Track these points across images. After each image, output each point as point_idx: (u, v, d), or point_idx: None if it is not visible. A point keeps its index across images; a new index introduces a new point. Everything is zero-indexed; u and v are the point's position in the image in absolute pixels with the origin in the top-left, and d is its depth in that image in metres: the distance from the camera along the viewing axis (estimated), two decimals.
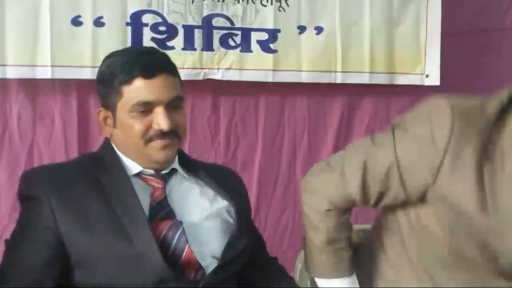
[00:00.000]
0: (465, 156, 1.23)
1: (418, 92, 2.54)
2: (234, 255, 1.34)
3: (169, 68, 1.35)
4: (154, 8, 2.24)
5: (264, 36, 2.40)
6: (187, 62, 2.28)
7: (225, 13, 2.34)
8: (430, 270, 1.36)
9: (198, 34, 2.31)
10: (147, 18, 2.24)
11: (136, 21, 2.22)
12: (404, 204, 1.36)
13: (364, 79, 2.56)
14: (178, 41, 2.29)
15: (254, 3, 2.38)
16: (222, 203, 1.42)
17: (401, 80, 2.61)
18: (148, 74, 1.30)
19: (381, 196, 1.34)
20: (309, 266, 1.44)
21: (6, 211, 2.13)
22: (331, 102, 2.61)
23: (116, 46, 2.11)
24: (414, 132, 1.30)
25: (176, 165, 1.41)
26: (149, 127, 1.31)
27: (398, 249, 1.40)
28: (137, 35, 2.22)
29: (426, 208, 1.31)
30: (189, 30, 2.30)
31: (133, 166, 1.36)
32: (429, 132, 1.26)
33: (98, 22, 2.17)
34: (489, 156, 1.24)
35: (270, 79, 2.43)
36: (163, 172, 1.38)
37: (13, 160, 2.18)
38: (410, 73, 2.63)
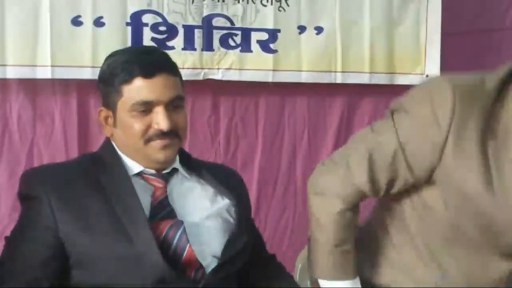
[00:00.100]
0: (469, 135, 1.22)
1: None
2: (233, 254, 1.35)
3: (169, 68, 1.35)
4: (154, 8, 2.24)
5: (264, 36, 2.40)
6: (187, 62, 2.28)
7: (225, 13, 2.34)
8: (431, 246, 1.35)
9: (198, 34, 2.31)
10: (147, 18, 2.24)
11: (136, 21, 2.22)
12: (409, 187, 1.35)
13: (364, 79, 2.56)
14: (178, 41, 2.29)
15: (254, 3, 2.38)
16: (222, 202, 1.42)
17: (401, 80, 2.61)
18: (148, 74, 1.29)
19: (391, 183, 1.32)
20: (313, 267, 1.42)
21: (6, 211, 2.14)
22: (331, 102, 2.61)
23: (116, 46, 2.11)
24: (416, 114, 1.28)
25: (177, 164, 1.41)
26: (149, 127, 1.31)
27: (400, 228, 1.40)
28: (137, 35, 2.22)
29: (432, 189, 1.30)
30: (189, 30, 2.30)
31: (134, 166, 1.36)
32: (431, 113, 1.24)
33: (98, 22, 2.17)
34: (492, 132, 1.23)
35: (270, 79, 2.43)
36: (164, 171, 1.38)
37: (13, 160, 2.18)
38: (410, 73, 2.62)
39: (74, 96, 2.23)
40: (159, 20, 2.25)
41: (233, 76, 2.38)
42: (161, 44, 2.24)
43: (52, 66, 2.12)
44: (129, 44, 2.21)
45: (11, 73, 2.10)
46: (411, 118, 1.29)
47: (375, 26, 2.55)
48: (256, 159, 2.52)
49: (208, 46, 2.33)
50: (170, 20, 2.27)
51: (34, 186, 1.30)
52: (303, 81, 2.49)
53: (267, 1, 2.39)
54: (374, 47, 2.55)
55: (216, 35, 2.34)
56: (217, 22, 2.34)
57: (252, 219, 1.57)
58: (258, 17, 2.39)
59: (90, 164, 1.36)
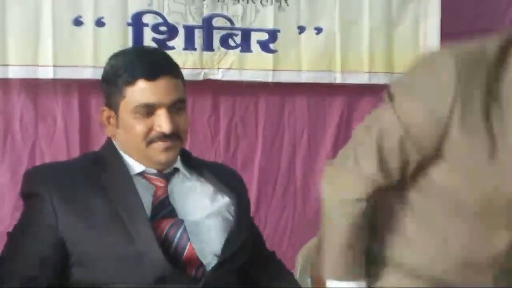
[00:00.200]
0: (474, 106, 1.18)
1: None
2: (233, 252, 1.35)
3: (172, 70, 1.35)
4: (154, 8, 2.25)
5: (264, 36, 2.41)
6: (187, 62, 2.28)
7: (225, 13, 2.35)
8: (432, 217, 1.33)
9: (198, 34, 2.32)
10: (148, 18, 2.25)
11: (137, 22, 2.23)
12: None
13: (364, 79, 2.56)
14: (178, 41, 2.29)
15: (254, 3, 2.39)
16: (222, 201, 1.43)
17: None
18: (151, 76, 1.30)
19: (403, 167, 1.28)
20: (323, 266, 1.39)
21: (8, 210, 2.14)
22: (331, 102, 2.61)
23: (117, 46, 2.12)
24: (417, 89, 1.24)
25: (178, 164, 1.42)
26: (151, 129, 1.32)
27: (402, 200, 1.36)
28: (138, 35, 2.23)
29: (438, 163, 1.27)
30: (189, 30, 2.31)
31: (135, 166, 1.37)
32: (434, 83, 1.20)
33: (99, 22, 2.18)
34: (496, 94, 1.19)
35: (270, 79, 2.44)
36: (165, 171, 1.39)
37: (15, 160, 2.19)
38: None
39: (76, 96, 2.23)
40: (160, 20, 2.26)
41: (233, 76, 2.39)
42: (162, 44, 2.25)
43: (53, 66, 2.12)
44: (130, 44, 2.21)
45: (13, 73, 2.11)
46: (412, 96, 1.25)
47: (374, 26, 2.55)
48: (256, 159, 2.52)
49: (208, 46, 2.34)
50: (171, 20, 2.27)
51: (36, 184, 1.30)
52: (303, 81, 2.49)
53: (267, 1, 2.40)
54: (373, 47, 2.55)
55: (216, 35, 2.35)
56: (217, 22, 2.35)
57: (251, 218, 1.58)
58: (258, 17, 2.39)
59: (91, 163, 1.37)
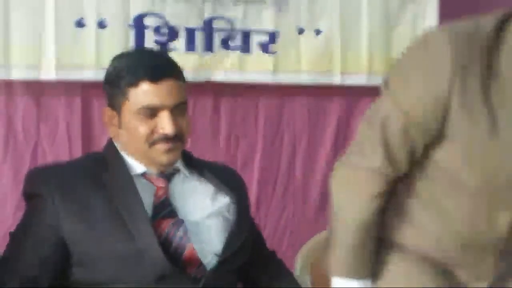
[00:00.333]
0: (473, 84, 1.15)
1: None
2: (233, 252, 1.36)
3: (176, 73, 1.36)
4: (156, 10, 2.25)
5: (264, 38, 2.42)
6: (188, 64, 2.27)
7: (225, 15, 2.35)
8: (435, 197, 1.31)
9: (199, 36, 2.33)
10: (150, 21, 2.25)
11: (138, 24, 2.24)
12: None
13: (363, 80, 2.56)
14: (179, 43, 2.30)
15: (254, 5, 2.39)
16: (223, 201, 1.44)
17: None
18: (154, 78, 1.30)
19: (411, 154, 1.26)
20: (331, 265, 1.37)
21: (11, 210, 2.15)
22: (330, 103, 2.61)
23: (119, 48, 2.13)
24: (414, 71, 1.21)
25: (179, 164, 1.42)
26: (153, 130, 1.32)
27: (405, 181, 1.34)
28: (139, 38, 2.23)
29: (440, 144, 1.24)
30: (190, 32, 2.31)
31: (136, 166, 1.37)
32: (429, 63, 1.17)
33: (102, 24, 2.18)
34: (494, 70, 1.16)
35: (269, 80, 2.44)
36: (166, 171, 1.40)
37: (17, 160, 2.19)
38: None
39: (78, 97, 2.23)
40: (161, 22, 2.26)
41: (234, 77, 2.39)
42: (163, 46, 2.25)
43: (56, 67, 2.13)
44: (132, 46, 2.22)
45: (16, 74, 2.11)
46: (408, 79, 1.21)
47: (373, 28, 2.55)
48: (256, 159, 2.52)
49: (208, 47, 2.34)
50: (172, 22, 2.28)
51: (39, 184, 1.32)
52: (302, 82, 2.49)
53: (267, 3, 2.40)
54: (372, 48, 2.55)
55: (217, 37, 2.35)
56: (217, 24, 2.35)
57: (251, 218, 1.59)
58: (258, 19, 2.40)
59: (93, 164, 1.38)
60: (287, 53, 2.45)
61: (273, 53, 2.43)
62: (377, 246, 1.36)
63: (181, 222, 1.33)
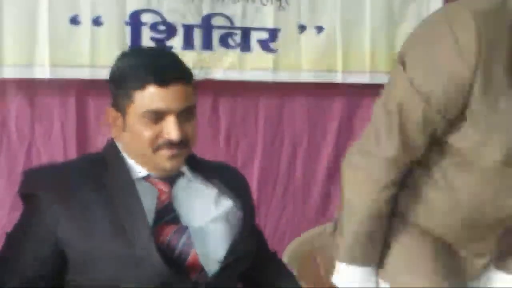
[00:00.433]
0: (497, 62, 1.11)
1: None
2: (236, 258, 1.34)
3: (184, 76, 1.31)
4: (153, 7, 2.24)
5: (264, 35, 2.40)
6: (186, 62, 2.27)
7: (224, 12, 2.34)
8: (448, 178, 1.29)
9: (197, 33, 2.31)
10: (146, 17, 2.23)
11: (135, 20, 2.22)
12: None
13: (365, 78, 2.55)
14: (177, 41, 2.28)
15: (254, 2, 2.37)
16: (226, 205, 1.41)
17: None
18: (162, 82, 1.26)
19: (429, 140, 1.24)
20: (338, 250, 1.38)
21: (5, 210, 2.13)
22: (332, 102, 2.60)
23: (115, 46, 2.14)
24: (434, 52, 1.15)
25: (183, 167, 1.39)
26: (158, 135, 1.29)
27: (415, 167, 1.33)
28: (136, 35, 2.22)
29: (456, 126, 1.22)
30: (188, 29, 2.29)
31: (139, 170, 1.34)
32: (452, 47, 1.12)
33: (97, 21, 2.17)
34: None
35: (270, 79, 2.43)
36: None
37: (11, 160, 2.18)
38: None
39: (73, 96, 2.22)
40: (158, 19, 2.25)
41: (233, 75, 2.38)
42: (160, 43, 2.24)
43: (50, 65, 2.11)
44: (128, 43, 2.20)
45: (9, 73, 2.09)
46: (429, 62, 1.17)
47: (376, 26, 2.54)
48: (256, 159, 2.52)
49: (207, 45, 2.33)
50: (169, 19, 2.26)
51: (36, 186, 1.29)
52: (303, 80, 2.48)
53: (267, 0, 2.39)
54: (375, 46, 2.55)
55: (216, 34, 2.34)
56: (216, 21, 2.33)
57: (254, 219, 1.55)
58: (258, 16, 2.38)
59: (92, 166, 1.35)
60: (288, 51, 2.44)
61: (273, 51, 2.42)
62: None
63: (185, 228, 1.30)
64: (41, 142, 2.21)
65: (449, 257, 1.37)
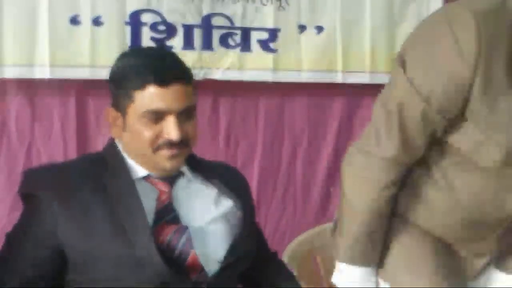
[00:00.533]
0: (497, 62, 1.11)
1: None
2: (236, 258, 1.34)
3: (185, 76, 1.31)
4: (153, 7, 2.23)
5: (264, 35, 2.40)
6: (186, 62, 2.27)
7: (224, 12, 2.33)
8: (448, 174, 1.29)
9: (197, 33, 2.31)
10: (146, 17, 2.23)
11: (135, 21, 2.22)
12: None
13: (365, 78, 2.55)
14: (177, 41, 2.28)
15: (254, 2, 2.37)
16: (227, 205, 1.41)
17: None
18: (162, 82, 1.26)
19: (430, 140, 1.24)
20: (337, 250, 1.38)
21: (4, 211, 2.13)
22: (332, 102, 2.60)
23: (115, 46, 2.13)
24: (434, 52, 1.16)
25: (183, 167, 1.39)
26: (159, 135, 1.29)
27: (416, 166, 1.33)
28: (136, 35, 2.22)
29: (455, 126, 1.22)
30: (188, 29, 2.29)
31: (139, 170, 1.34)
32: (452, 48, 1.12)
33: (97, 21, 2.16)
34: None
35: (270, 79, 2.43)
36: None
37: (11, 160, 2.18)
38: None
39: (73, 96, 2.22)
40: (158, 19, 2.25)
41: (233, 75, 2.38)
42: (160, 43, 2.23)
43: (50, 65, 2.11)
44: (128, 43, 2.20)
45: (9, 73, 2.09)
46: (429, 62, 1.17)
47: (376, 26, 2.54)
48: (256, 159, 2.52)
49: (207, 45, 2.33)
50: (169, 19, 2.26)
51: (37, 187, 1.29)
52: (303, 80, 2.48)
53: (267, 0, 2.38)
54: (375, 46, 2.55)
55: (216, 34, 2.33)
56: (216, 21, 2.33)
57: (254, 219, 1.55)
58: (258, 16, 2.38)
59: (92, 166, 1.34)
60: (288, 51, 2.44)
61: (273, 51, 2.42)
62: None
63: (185, 228, 1.30)
64: (41, 142, 2.21)
65: (449, 257, 1.38)
